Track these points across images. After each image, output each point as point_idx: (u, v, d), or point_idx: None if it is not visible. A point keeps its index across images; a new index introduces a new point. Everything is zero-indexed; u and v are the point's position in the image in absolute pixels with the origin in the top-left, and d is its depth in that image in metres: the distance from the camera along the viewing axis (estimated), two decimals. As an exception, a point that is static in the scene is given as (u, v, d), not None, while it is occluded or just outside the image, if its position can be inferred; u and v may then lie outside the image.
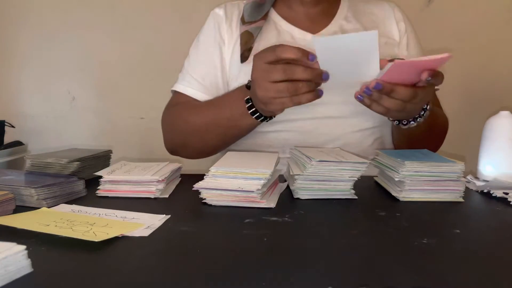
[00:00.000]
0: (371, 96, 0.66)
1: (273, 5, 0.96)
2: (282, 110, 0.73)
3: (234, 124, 0.80)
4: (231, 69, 0.92)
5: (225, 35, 0.93)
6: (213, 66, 0.92)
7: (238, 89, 0.81)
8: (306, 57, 0.64)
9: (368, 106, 0.69)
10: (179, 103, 0.93)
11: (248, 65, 0.75)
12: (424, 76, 0.62)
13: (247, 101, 0.75)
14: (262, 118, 0.77)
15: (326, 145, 0.88)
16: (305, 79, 0.65)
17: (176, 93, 0.95)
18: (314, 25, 0.93)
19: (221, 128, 0.83)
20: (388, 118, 0.80)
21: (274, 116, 0.78)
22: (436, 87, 0.72)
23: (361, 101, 0.69)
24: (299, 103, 0.68)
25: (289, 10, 0.95)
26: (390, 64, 0.61)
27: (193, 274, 0.41)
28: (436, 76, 0.64)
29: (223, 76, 0.93)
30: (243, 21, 0.92)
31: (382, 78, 0.64)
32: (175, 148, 0.93)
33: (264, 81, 0.67)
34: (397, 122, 0.79)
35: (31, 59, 1.41)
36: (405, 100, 0.66)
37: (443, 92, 0.88)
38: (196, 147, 0.89)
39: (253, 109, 0.75)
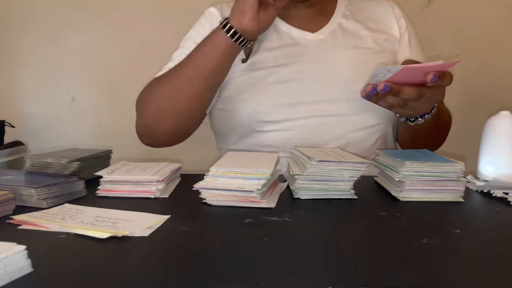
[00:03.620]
0: (377, 95, 0.69)
1: None
2: (257, 26, 0.77)
3: (205, 51, 0.82)
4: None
5: None
6: None
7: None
8: None
9: (376, 102, 0.72)
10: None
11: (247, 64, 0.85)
12: (429, 77, 0.63)
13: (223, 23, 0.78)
14: (239, 40, 0.78)
15: (328, 144, 0.88)
16: None
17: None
18: (313, 24, 0.93)
19: (191, 65, 0.83)
20: (395, 115, 0.81)
21: (251, 41, 0.81)
22: None
23: (369, 99, 0.72)
24: None
25: (285, 11, 0.95)
26: (398, 67, 0.62)
27: (193, 274, 0.41)
28: (443, 77, 0.65)
29: None
30: None
31: (390, 80, 0.65)
32: (144, 128, 0.91)
33: None
34: (405, 119, 0.80)
35: (32, 59, 1.41)
36: (411, 100, 0.68)
37: (443, 92, 0.88)
38: (169, 114, 0.86)
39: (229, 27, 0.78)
